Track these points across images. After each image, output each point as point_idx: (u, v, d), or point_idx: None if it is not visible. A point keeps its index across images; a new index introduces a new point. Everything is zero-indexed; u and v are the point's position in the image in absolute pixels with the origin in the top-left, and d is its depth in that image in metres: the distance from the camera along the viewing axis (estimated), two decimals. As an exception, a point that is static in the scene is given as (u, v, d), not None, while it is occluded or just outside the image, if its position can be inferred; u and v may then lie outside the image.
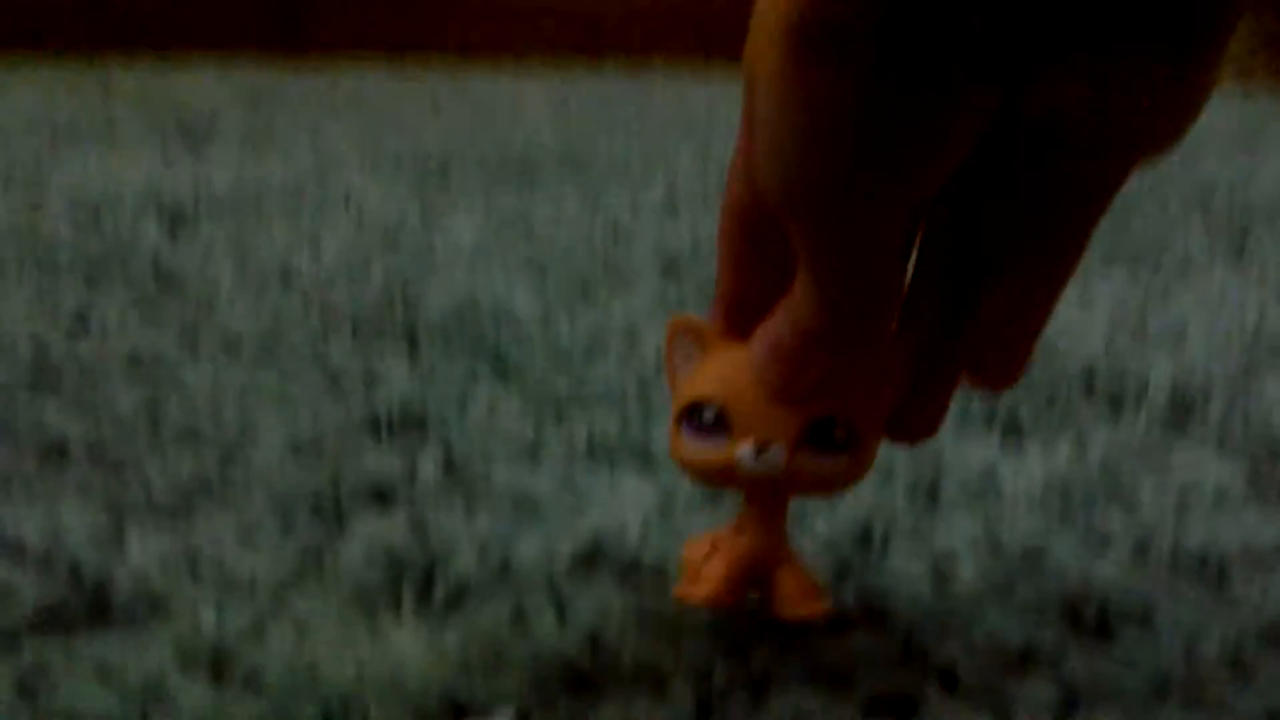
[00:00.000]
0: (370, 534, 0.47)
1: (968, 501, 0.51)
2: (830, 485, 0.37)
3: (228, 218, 1.04)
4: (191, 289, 0.81)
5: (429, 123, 1.61)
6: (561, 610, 0.41)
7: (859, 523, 0.47)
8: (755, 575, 0.39)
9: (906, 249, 0.35)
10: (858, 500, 0.50)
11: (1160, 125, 0.29)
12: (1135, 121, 0.28)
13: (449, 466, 0.54)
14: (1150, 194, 1.18)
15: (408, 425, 0.57)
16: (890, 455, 0.54)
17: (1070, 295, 0.86)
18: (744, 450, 0.36)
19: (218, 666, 0.38)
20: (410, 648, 0.39)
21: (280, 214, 1.04)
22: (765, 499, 0.39)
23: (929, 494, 0.51)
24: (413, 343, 0.70)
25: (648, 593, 0.43)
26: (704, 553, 0.40)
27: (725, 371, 0.37)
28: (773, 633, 0.40)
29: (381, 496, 0.51)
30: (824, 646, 0.40)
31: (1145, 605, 0.42)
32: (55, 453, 0.54)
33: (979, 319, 0.35)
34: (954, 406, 0.60)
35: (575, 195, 1.14)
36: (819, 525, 0.48)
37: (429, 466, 0.53)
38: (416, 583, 0.43)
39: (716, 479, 0.38)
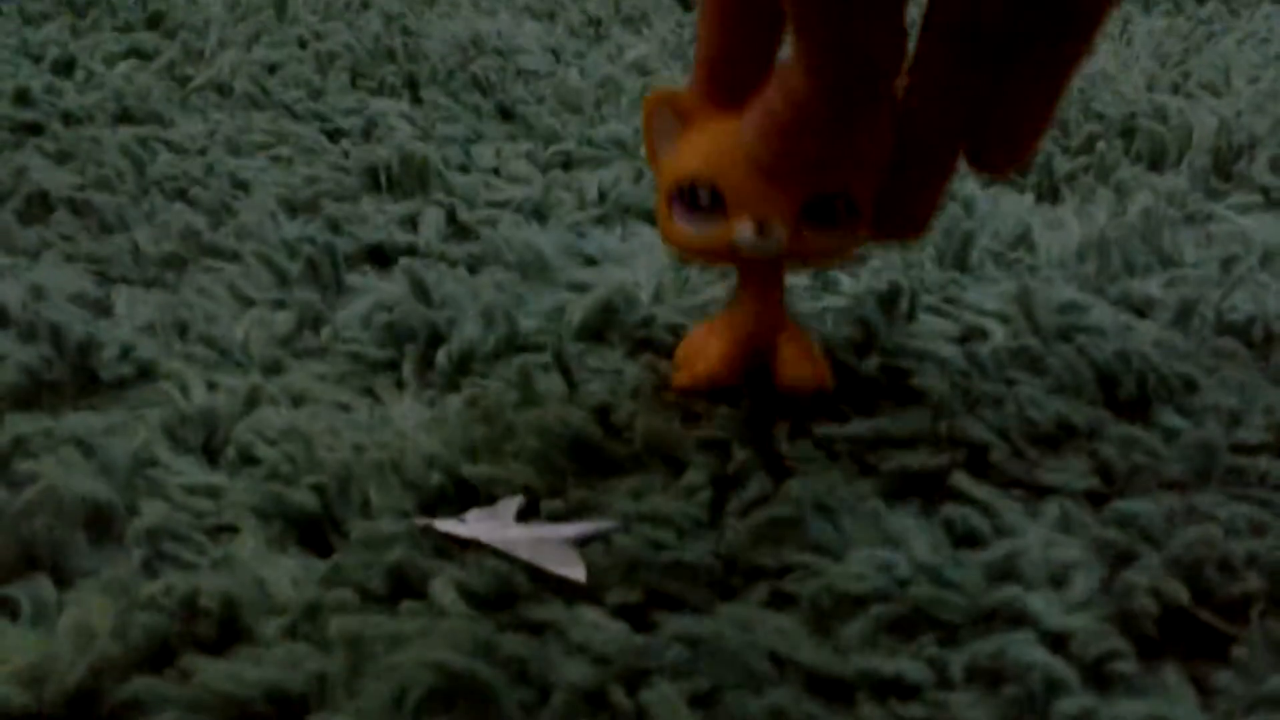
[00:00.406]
0: (369, 298, 0.44)
1: (1000, 264, 0.48)
2: (830, 258, 0.37)
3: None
4: (180, 28, 0.76)
5: None
6: (571, 384, 0.39)
7: (885, 285, 0.44)
8: (757, 350, 0.38)
9: (901, 17, 0.32)
10: (884, 260, 0.48)
11: None
12: None
13: (452, 224, 0.51)
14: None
15: (408, 179, 0.54)
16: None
17: (1108, 38, 0.81)
18: (744, 230, 0.35)
19: (209, 442, 0.37)
20: (411, 423, 0.37)
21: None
22: (762, 272, 0.38)
23: (959, 256, 0.48)
24: (414, 88, 0.67)
25: (660, 365, 0.40)
26: (697, 336, 0.39)
27: (715, 147, 0.35)
28: (791, 410, 0.38)
29: (381, 256, 0.49)
30: (845, 424, 0.38)
31: (1186, 379, 0.40)
32: (37, 206, 0.52)
33: (985, 101, 0.33)
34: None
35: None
36: (843, 284, 0.46)
37: (431, 224, 0.51)
38: (418, 352, 0.41)
39: (713, 259, 0.37)
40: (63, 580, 0.31)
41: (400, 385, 0.40)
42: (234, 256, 0.47)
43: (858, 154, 0.34)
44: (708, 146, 0.35)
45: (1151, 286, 0.46)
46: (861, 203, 0.35)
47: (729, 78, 0.35)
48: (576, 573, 0.31)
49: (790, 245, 0.35)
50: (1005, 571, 0.31)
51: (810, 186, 0.34)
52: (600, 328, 0.43)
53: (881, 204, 0.36)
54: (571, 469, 0.35)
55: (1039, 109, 0.33)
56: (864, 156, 0.34)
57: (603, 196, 0.54)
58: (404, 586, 0.31)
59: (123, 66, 0.70)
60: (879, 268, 0.47)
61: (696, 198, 0.35)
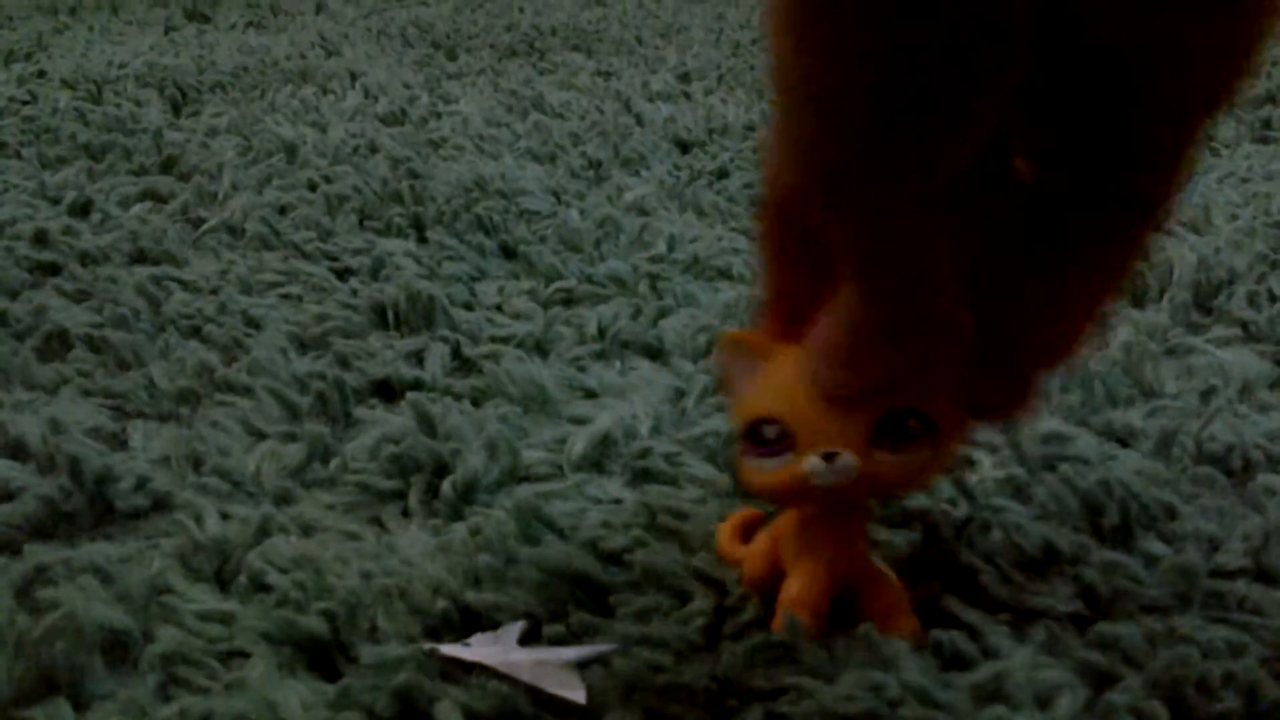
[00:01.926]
0: (377, 430, 0.46)
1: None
2: (914, 480, 0.34)
3: (231, 96, 1.02)
4: (194, 171, 0.79)
5: (436, -5, 1.58)
6: (571, 514, 0.41)
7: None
8: (840, 592, 0.36)
9: (941, 222, 0.30)
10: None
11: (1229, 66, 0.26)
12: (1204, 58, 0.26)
13: (457, 359, 0.53)
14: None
15: (415, 316, 0.56)
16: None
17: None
18: (813, 463, 0.32)
19: (221, 570, 0.38)
20: (417, 551, 0.38)
21: (285, 93, 1.02)
22: (841, 511, 0.35)
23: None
24: (420, 229, 0.69)
25: (659, 494, 0.42)
26: (762, 552, 0.37)
27: (778, 381, 0.33)
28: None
29: (388, 391, 0.50)
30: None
31: (1167, 506, 0.41)
32: (56, 343, 0.54)
33: (1031, 302, 0.32)
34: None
35: (585, 73, 1.11)
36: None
37: (436, 359, 0.52)
38: (424, 483, 0.42)
39: (790, 498, 0.35)
40: (81, 704, 0.32)
41: (407, 515, 0.41)
42: (246, 391, 0.49)
43: (922, 368, 0.32)
44: (771, 382, 0.34)
45: (1133, 417, 0.47)
46: (938, 416, 0.33)
47: (793, 313, 0.34)
48: (577, 695, 0.32)
49: (863, 472, 0.32)
50: (992, 693, 0.32)
51: (876, 409, 0.32)
52: (600, 459, 0.44)
53: (972, 391, 0.34)
54: (572, 596, 0.37)
55: (1088, 301, 0.32)
56: (929, 369, 0.32)
57: (602, 332, 0.55)
58: (411, 709, 0.32)
59: (138, 208, 0.72)
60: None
61: (764, 436, 0.33)
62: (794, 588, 0.35)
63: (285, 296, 0.59)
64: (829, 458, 0.32)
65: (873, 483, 0.33)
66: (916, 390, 0.33)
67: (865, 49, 0.25)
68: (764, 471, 0.34)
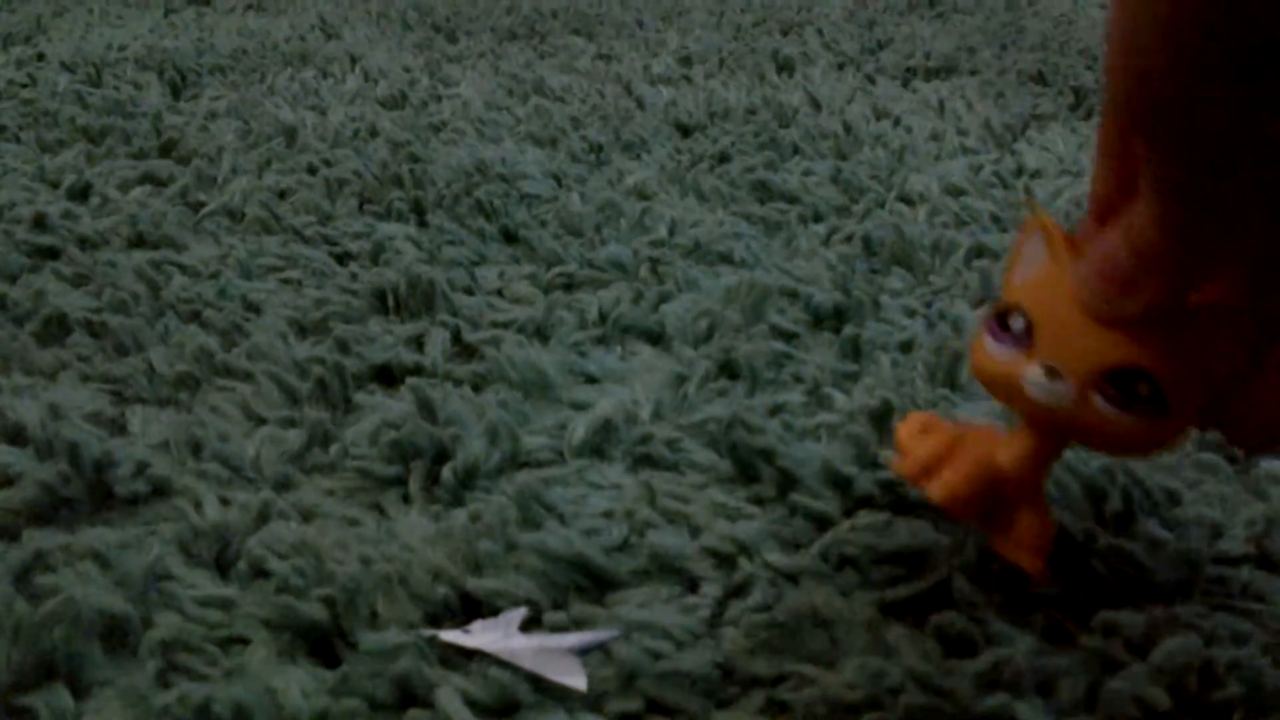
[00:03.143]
0: (377, 416, 0.46)
1: (988, 381, 0.50)
2: (1120, 445, 0.33)
3: (231, 79, 1.01)
4: (193, 155, 0.79)
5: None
6: (572, 500, 0.41)
7: (877, 402, 0.46)
8: (994, 496, 0.35)
9: (1266, 184, 0.28)
10: (875, 378, 0.49)
11: None
12: None
13: (457, 344, 0.53)
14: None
15: (415, 301, 0.56)
16: (911, 330, 0.53)
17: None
18: (1032, 371, 0.32)
19: (221, 556, 0.38)
20: (418, 537, 0.38)
21: (284, 76, 1.01)
22: (1045, 431, 0.34)
23: (949, 373, 0.50)
24: (420, 213, 0.69)
25: (660, 480, 0.42)
26: (942, 441, 0.36)
27: (1051, 282, 0.32)
28: (794, 523, 0.39)
29: (388, 376, 0.50)
30: (848, 536, 0.39)
31: (1170, 493, 0.41)
32: (55, 328, 0.53)
33: None
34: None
35: (586, 57, 1.11)
36: (837, 401, 0.47)
37: (436, 344, 0.52)
38: (424, 469, 0.42)
39: (1001, 392, 0.34)
40: (80, 690, 0.32)
41: (407, 500, 0.41)
42: (246, 376, 0.49)
43: (1190, 338, 0.31)
44: (1044, 277, 0.32)
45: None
46: (1173, 398, 0.31)
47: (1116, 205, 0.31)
48: (578, 682, 0.32)
49: (1075, 407, 0.31)
50: (995, 679, 0.32)
51: (1120, 355, 0.31)
52: (601, 444, 0.44)
53: (1230, 403, 0.32)
54: (573, 582, 0.36)
55: None
56: (1196, 344, 0.31)
57: (603, 317, 0.55)
58: (411, 696, 0.32)
59: (137, 192, 0.72)
60: (871, 385, 0.48)
61: (1009, 324, 0.33)
62: (961, 466, 0.35)
63: (285, 281, 0.59)
64: (1051, 373, 0.31)
65: (1076, 423, 0.32)
66: (1166, 358, 0.31)
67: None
68: (992, 356, 0.33)
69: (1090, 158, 0.83)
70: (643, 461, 0.43)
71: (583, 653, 0.33)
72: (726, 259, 0.62)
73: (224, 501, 0.40)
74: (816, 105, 0.91)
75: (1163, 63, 0.25)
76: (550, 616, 0.35)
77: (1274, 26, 0.24)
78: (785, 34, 1.19)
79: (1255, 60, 0.24)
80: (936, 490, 0.34)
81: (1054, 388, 0.31)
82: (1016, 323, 0.32)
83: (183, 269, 0.60)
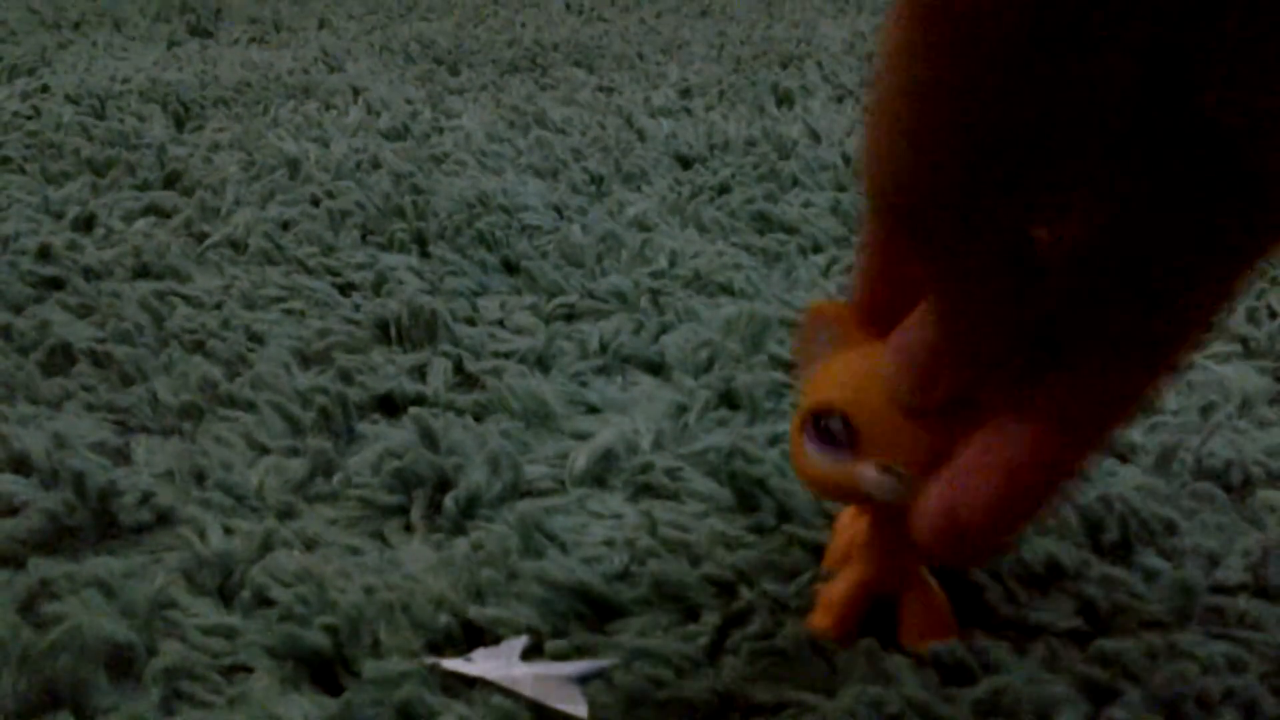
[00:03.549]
0: (379, 445, 0.46)
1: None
2: None
3: (234, 111, 1.02)
4: (197, 186, 0.79)
5: (438, 13, 1.59)
6: (573, 529, 0.41)
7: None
8: (879, 598, 0.36)
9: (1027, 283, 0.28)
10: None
11: None
12: None
13: (459, 373, 0.53)
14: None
15: (417, 331, 0.57)
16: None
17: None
18: (868, 472, 0.31)
19: (224, 585, 0.38)
20: (420, 566, 0.39)
21: (287, 108, 1.02)
22: (894, 520, 0.33)
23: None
24: (422, 244, 0.69)
25: (661, 509, 0.42)
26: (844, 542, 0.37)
27: (857, 377, 0.32)
28: (793, 553, 0.39)
29: (391, 405, 0.51)
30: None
31: (1166, 522, 0.41)
32: (59, 358, 0.54)
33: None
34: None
35: (587, 89, 1.12)
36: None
37: (439, 374, 0.53)
38: (426, 497, 0.43)
39: (836, 493, 0.33)
40: (84, 718, 0.32)
41: (409, 529, 0.42)
42: (249, 406, 0.49)
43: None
44: (852, 375, 0.32)
45: (1133, 433, 0.48)
46: None
47: (885, 301, 0.32)
48: (579, 710, 0.32)
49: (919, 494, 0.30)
50: (993, 707, 0.32)
51: (951, 434, 0.30)
52: (602, 474, 0.44)
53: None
54: (574, 610, 0.37)
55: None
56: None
57: (604, 347, 0.55)
58: (413, 723, 0.32)
59: (141, 223, 0.72)
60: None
61: (827, 427, 0.32)
62: (838, 589, 0.35)
63: (288, 311, 0.59)
64: (888, 470, 0.31)
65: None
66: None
67: (982, 88, 0.23)
68: (819, 464, 0.32)
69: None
70: (643, 491, 0.43)
71: (583, 681, 0.33)
72: (727, 290, 0.62)
73: (227, 530, 0.41)
74: (816, 137, 0.92)
75: (912, 168, 0.25)
76: (551, 644, 0.35)
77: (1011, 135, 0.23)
78: (785, 66, 1.20)
79: (996, 164, 0.24)
80: (815, 625, 0.35)
81: (895, 484, 0.31)
82: (835, 424, 0.32)
83: (187, 300, 0.60)
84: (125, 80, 1.11)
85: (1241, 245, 0.26)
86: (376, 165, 0.84)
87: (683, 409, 0.49)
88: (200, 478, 0.44)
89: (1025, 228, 0.26)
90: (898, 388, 0.30)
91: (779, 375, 0.52)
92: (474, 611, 0.36)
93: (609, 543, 0.40)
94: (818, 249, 0.68)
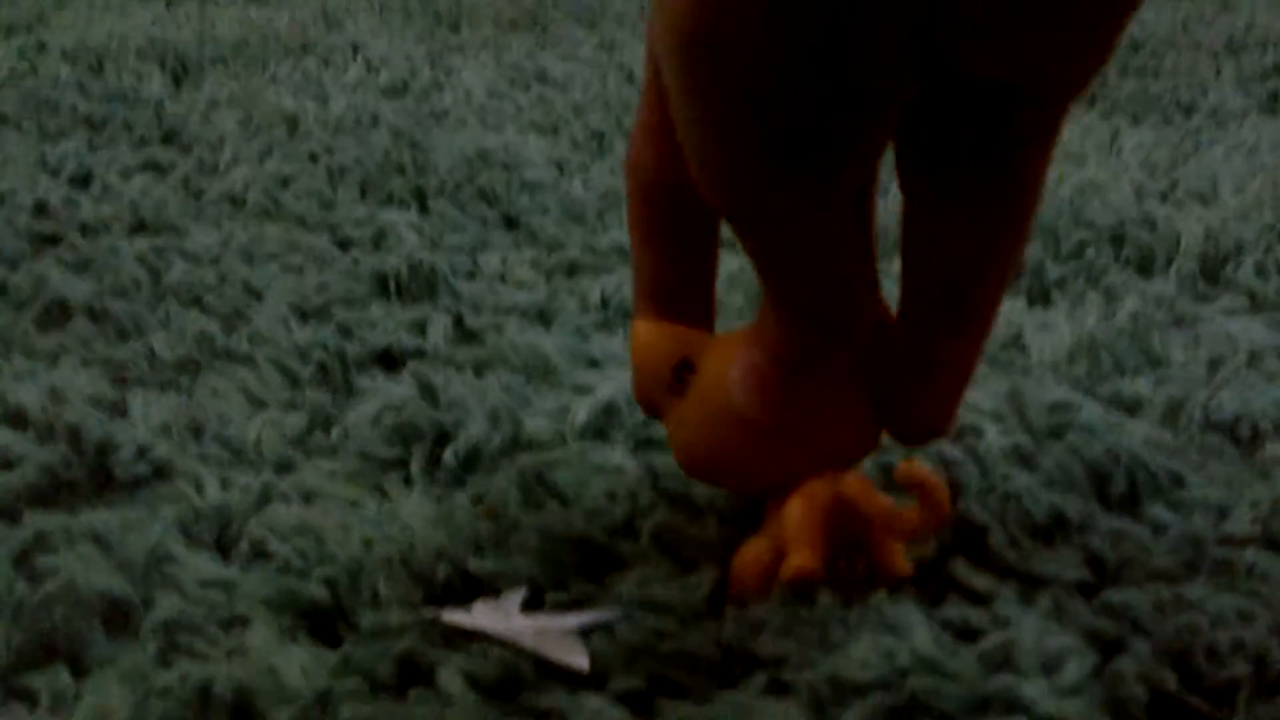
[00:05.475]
0: (378, 399, 0.46)
1: (992, 365, 0.50)
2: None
3: (233, 69, 1.01)
4: (195, 143, 0.78)
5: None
6: (574, 482, 0.40)
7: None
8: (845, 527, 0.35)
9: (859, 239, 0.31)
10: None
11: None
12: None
13: (459, 328, 0.53)
14: (1180, 43, 1.14)
15: (417, 286, 0.56)
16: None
17: (1097, 149, 0.83)
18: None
19: (222, 538, 0.38)
20: (419, 519, 0.38)
21: (286, 65, 1.01)
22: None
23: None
24: (422, 199, 0.68)
25: (663, 462, 0.41)
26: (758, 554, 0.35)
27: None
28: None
29: (390, 360, 0.50)
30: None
31: (1174, 475, 0.41)
32: (56, 314, 0.53)
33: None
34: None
35: (588, 46, 1.11)
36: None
37: (438, 328, 0.52)
38: (425, 451, 0.42)
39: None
40: (80, 670, 0.32)
41: (408, 483, 0.41)
42: (247, 360, 0.49)
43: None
44: (695, 418, 0.34)
45: (1140, 386, 0.47)
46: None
47: (670, 299, 0.35)
48: (580, 661, 0.32)
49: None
50: (1001, 660, 0.32)
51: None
52: (603, 427, 0.44)
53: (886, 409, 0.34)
54: (575, 562, 0.36)
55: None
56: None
57: (605, 302, 0.55)
58: (412, 675, 0.32)
59: (139, 180, 0.71)
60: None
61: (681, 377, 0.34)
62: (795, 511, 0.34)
63: (286, 267, 0.59)
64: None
65: None
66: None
67: (761, 87, 0.25)
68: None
69: (1093, 146, 0.83)
70: (645, 444, 0.43)
71: (584, 632, 0.33)
72: (726, 245, 0.62)
73: (225, 484, 0.40)
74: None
75: (728, 163, 0.27)
76: (552, 596, 0.35)
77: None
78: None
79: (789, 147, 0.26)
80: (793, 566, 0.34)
81: None
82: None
83: (184, 255, 0.60)
84: (123, 38, 1.10)
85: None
86: (376, 122, 0.84)
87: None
88: (197, 432, 0.44)
89: (834, 201, 0.28)
90: (749, 410, 0.32)
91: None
92: (474, 564, 0.36)
93: (610, 495, 0.39)
94: (821, 204, 0.68)
